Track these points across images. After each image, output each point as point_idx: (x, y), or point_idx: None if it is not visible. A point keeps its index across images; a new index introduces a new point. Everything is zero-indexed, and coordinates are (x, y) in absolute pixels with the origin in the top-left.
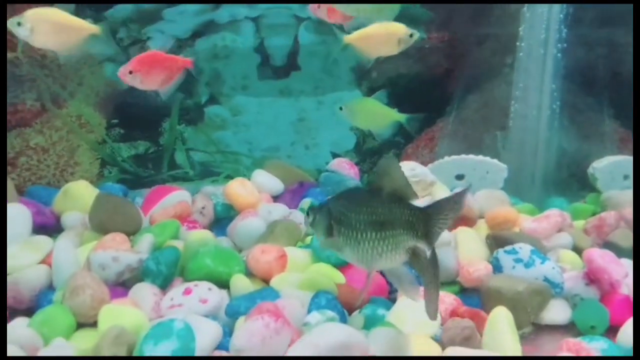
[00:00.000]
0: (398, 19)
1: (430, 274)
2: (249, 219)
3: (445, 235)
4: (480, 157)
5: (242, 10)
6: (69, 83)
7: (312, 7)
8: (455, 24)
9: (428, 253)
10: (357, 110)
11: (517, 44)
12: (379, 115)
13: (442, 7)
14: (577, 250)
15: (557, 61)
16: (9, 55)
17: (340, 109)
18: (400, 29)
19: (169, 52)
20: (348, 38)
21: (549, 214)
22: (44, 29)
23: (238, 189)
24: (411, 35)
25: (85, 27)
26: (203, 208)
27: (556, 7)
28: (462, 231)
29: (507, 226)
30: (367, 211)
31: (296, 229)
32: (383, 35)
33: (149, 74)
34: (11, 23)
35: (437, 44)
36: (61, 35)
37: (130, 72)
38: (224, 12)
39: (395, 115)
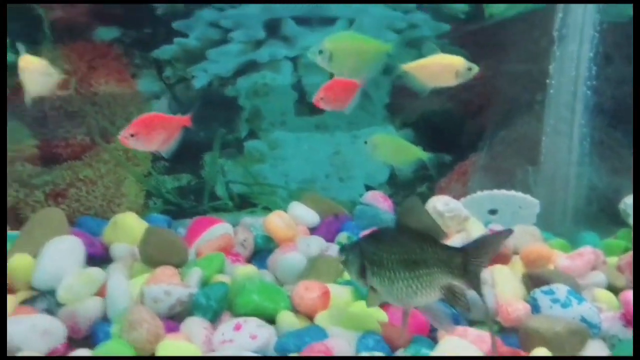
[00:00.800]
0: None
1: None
2: (290, 254)
3: (482, 274)
4: (513, 192)
5: (281, 50)
6: (117, 119)
7: (315, 101)
8: (486, 62)
9: (470, 291)
10: (381, 145)
11: (548, 81)
12: (402, 152)
13: (475, 46)
14: (612, 288)
15: (587, 98)
16: (64, 93)
17: (365, 142)
18: (459, 61)
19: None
20: (406, 66)
21: (583, 252)
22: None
23: (277, 222)
24: (470, 69)
25: (53, 73)
26: (244, 240)
27: (586, 45)
28: (498, 269)
29: (541, 263)
30: (399, 250)
31: (336, 265)
32: (441, 66)
33: (149, 136)
34: None
35: (469, 81)
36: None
37: (132, 135)
38: (265, 52)
39: (418, 153)
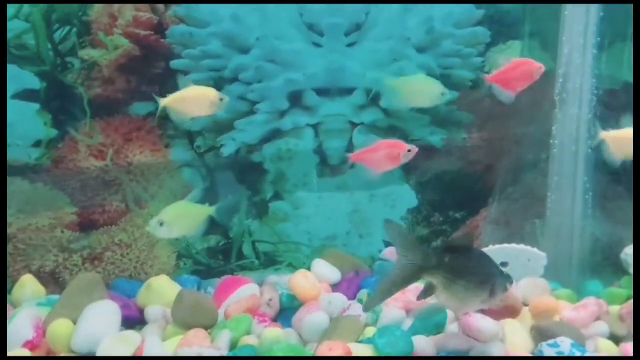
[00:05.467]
0: None
1: None
2: (314, 314)
3: (493, 328)
4: (522, 246)
5: (303, 118)
6: (150, 186)
7: (490, 77)
8: (493, 124)
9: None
10: (172, 220)
11: (551, 141)
12: (192, 217)
13: (482, 110)
14: (614, 337)
15: (588, 155)
16: (100, 163)
17: (161, 224)
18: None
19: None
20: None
21: (587, 303)
22: None
23: (302, 281)
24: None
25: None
26: (270, 300)
27: (585, 107)
28: (508, 323)
29: (549, 314)
30: None
31: (358, 324)
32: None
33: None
34: None
35: (477, 143)
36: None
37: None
38: (288, 121)
39: (206, 210)
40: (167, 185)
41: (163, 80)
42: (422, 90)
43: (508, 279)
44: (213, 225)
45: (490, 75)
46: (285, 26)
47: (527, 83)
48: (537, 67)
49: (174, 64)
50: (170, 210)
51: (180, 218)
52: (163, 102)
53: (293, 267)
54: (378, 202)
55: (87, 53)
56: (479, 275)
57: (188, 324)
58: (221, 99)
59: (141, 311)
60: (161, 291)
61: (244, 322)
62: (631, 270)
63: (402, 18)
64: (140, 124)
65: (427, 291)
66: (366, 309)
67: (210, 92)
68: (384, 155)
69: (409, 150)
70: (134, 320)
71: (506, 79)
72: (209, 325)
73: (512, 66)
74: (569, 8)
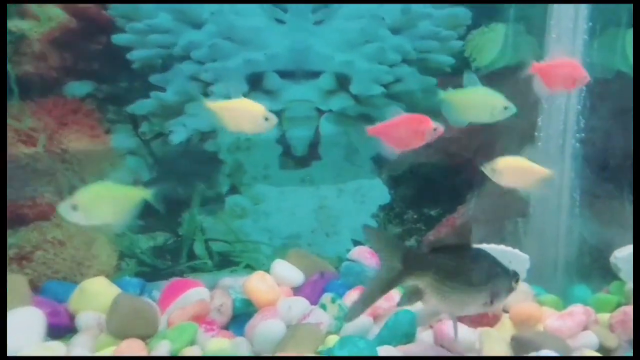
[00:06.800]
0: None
1: None
2: (269, 322)
3: (469, 338)
4: (503, 247)
5: (264, 103)
6: (88, 177)
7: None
8: None
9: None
10: (90, 205)
11: (536, 133)
12: (115, 200)
13: None
14: (604, 349)
15: (575, 150)
16: (30, 150)
17: (74, 208)
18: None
19: None
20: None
21: (573, 311)
22: None
23: (258, 285)
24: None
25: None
26: (221, 306)
27: (574, 98)
28: (486, 333)
29: (531, 323)
30: None
31: (317, 333)
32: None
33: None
34: None
35: (457, 135)
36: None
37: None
38: None
39: (138, 193)
40: (109, 175)
41: (103, 57)
42: (483, 104)
43: (514, 277)
44: (159, 221)
45: (537, 63)
46: None
47: (567, 87)
48: (582, 75)
49: (116, 39)
50: (87, 192)
51: (100, 201)
52: (208, 104)
53: (251, 268)
54: (346, 198)
55: (15, 25)
56: (475, 276)
57: (124, 333)
58: (267, 119)
59: (72, 318)
60: (96, 295)
61: (188, 331)
62: (621, 275)
63: None
64: (76, 106)
65: (411, 296)
66: (348, 319)
67: (256, 108)
68: (406, 131)
69: (435, 129)
70: (63, 328)
71: (550, 74)
72: (149, 335)
73: (558, 64)
74: None
